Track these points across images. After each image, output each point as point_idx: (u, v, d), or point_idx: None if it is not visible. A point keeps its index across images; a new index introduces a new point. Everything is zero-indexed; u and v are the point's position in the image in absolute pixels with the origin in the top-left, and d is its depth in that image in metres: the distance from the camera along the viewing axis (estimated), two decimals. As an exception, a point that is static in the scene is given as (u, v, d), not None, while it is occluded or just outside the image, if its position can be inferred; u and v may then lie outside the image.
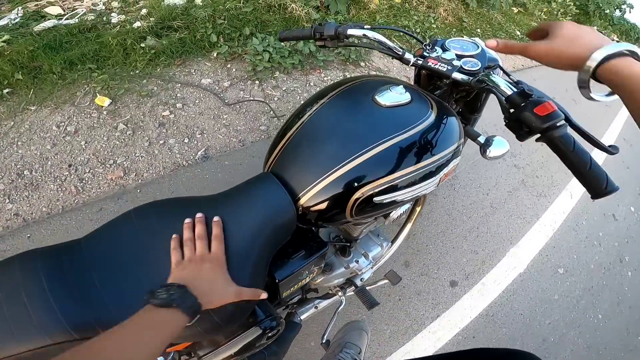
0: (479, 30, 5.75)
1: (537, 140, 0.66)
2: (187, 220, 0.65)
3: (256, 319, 0.83)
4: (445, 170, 0.86)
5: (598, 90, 0.60)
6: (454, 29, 5.13)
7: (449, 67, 0.88)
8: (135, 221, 0.67)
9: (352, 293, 1.31)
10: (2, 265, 0.59)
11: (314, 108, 0.84)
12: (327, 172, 0.74)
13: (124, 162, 1.89)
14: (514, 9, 8.67)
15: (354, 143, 0.76)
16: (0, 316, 0.53)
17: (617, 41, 0.53)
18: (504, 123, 0.69)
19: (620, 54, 0.49)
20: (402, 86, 0.83)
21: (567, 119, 0.64)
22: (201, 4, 2.92)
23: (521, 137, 0.67)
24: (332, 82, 2.82)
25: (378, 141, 0.75)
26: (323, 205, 0.76)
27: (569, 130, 0.64)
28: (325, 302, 1.27)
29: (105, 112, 2.07)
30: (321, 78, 2.84)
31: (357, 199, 0.76)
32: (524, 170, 2.65)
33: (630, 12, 15.08)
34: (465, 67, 0.87)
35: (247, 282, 0.65)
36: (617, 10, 13.86)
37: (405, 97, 0.81)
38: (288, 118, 0.90)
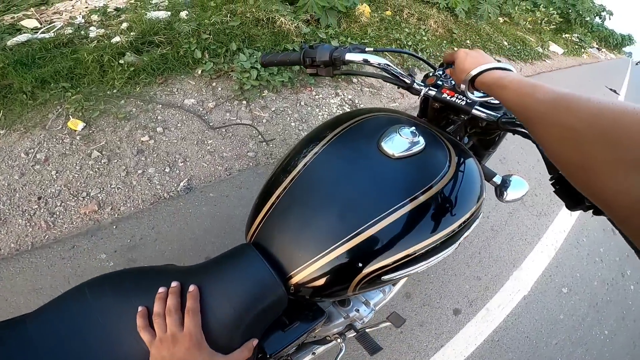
0: (468, 41, 5.72)
1: (595, 214, 0.50)
2: (161, 290, 0.56)
3: None
4: (467, 233, 0.72)
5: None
6: (445, 41, 5.06)
7: (469, 101, 0.72)
8: (89, 298, 0.56)
9: (352, 337, 1.18)
10: None
11: (305, 160, 0.68)
12: (325, 250, 0.60)
13: (99, 195, 1.71)
14: (500, 19, 8.75)
15: (358, 212, 0.61)
16: None
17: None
18: (553, 189, 0.55)
19: (489, 70, 0.59)
20: (413, 128, 0.68)
21: None
22: (185, 17, 2.75)
23: (574, 208, 0.53)
24: (324, 100, 2.73)
25: (389, 209, 0.60)
26: (321, 283, 0.62)
27: None
28: (323, 348, 1.16)
29: (78, 137, 1.89)
30: (312, 96, 2.69)
31: (362, 279, 0.62)
32: (523, 190, 2.58)
33: (610, 19, 15.48)
34: (488, 100, 0.73)
35: None
36: (597, 18, 14.24)
37: (418, 143, 0.67)
38: (273, 171, 0.73)
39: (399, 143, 0.66)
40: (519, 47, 7.25)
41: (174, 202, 1.73)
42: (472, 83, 0.63)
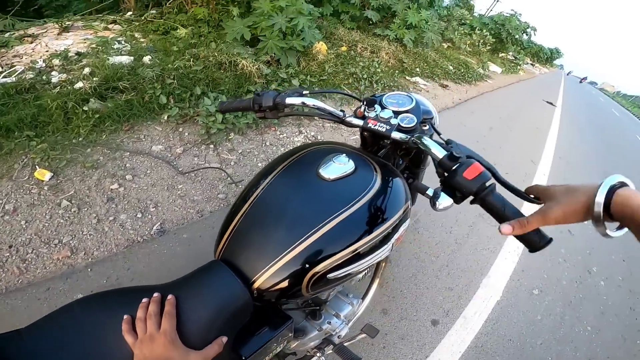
0: (418, 69, 6.29)
1: (471, 202, 0.69)
2: (144, 300, 0.67)
3: None
4: (397, 235, 0.89)
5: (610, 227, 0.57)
6: (397, 71, 5.55)
7: (388, 127, 0.90)
8: (77, 312, 0.66)
9: (331, 352, 1.30)
10: None
11: (260, 188, 0.85)
12: (278, 256, 0.75)
13: (71, 241, 1.79)
14: (445, 44, 9.66)
15: (302, 224, 0.77)
16: None
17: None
18: (441, 189, 0.74)
19: (617, 187, 0.52)
20: (344, 155, 0.85)
21: (494, 176, 0.68)
22: (149, 62, 2.91)
23: (457, 200, 0.71)
24: (288, 139, 2.95)
25: (326, 219, 0.77)
26: (278, 286, 0.77)
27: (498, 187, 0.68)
28: None
29: (46, 188, 1.96)
30: (277, 136, 2.90)
31: (311, 278, 0.77)
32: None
33: (535, 34, 17.52)
34: (403, 125, 0.90)
35: None
36: (524, 34, 16.02)
37: (349, 166, 0.83)
38: (235, 201, 0.91)
39: (334, 168, 0.82)
40: (462, 70, 7.98)
41: (148, 245, 1.84)
42: (607, 211, 0.52)
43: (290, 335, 0.94)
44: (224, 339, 0.69)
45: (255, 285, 0.76)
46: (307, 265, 0.75)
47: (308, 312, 1.16)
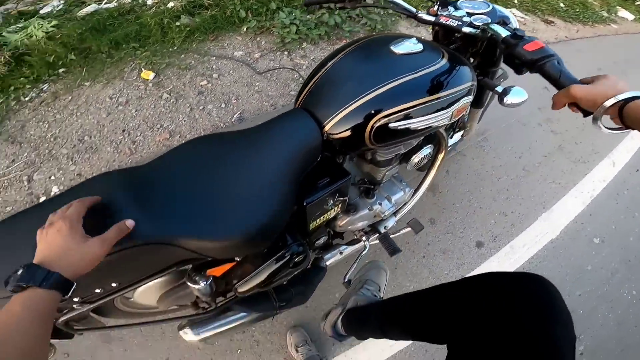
0: (516, 0, 5.65)
1: (531, 72, 0.83)
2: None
3: (285, 243, 0.96)
4: (457, 106, 0.99)
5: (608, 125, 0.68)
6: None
7: (459, 23, 1.02)
8: (184, 153, 0.84)
9: (376, 241, 1.41)
10: (87, 184, 0.75)
11: (339, 55, 1.01)
12: (348, 103, 0.88)
13: (170, 126, 2.19)
14: (558, -22, 8.34)
15: (371, 79, 0.89)
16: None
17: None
18: (503, 60, 0.86)
19: (636, 98, 0.58)
20: (415, 39, 0.96)
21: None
22: (229, -18, 3.17)
23: (518, 70, 0.85)
24: None
25: (393, 78, 0.88)
26: (345, 133, 0.89)
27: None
28: (349, 249, 1.37)
29: (150, 84, 2.38)
30: None
31: (374, 125, 0.89)
32: (563, 136, 2.56)
33: None
34: (475, 23, 1.01)
35: (277, 204, 0.78)
36: None
37: (418, 47, 0.94)
38: (317, 65, 1.06)
39: (404, 47, 0.93)
40: (577, 10, 6.91)
41: (229, 129, 2.13)
42: (620, 111, 0.59)
43: (345, 199, 1.06)
44: (129, 222, 0.62)
45: (326, 128, 0.90)
46: (372, 112, 0.87)
47: (362, 189, 1.26)
